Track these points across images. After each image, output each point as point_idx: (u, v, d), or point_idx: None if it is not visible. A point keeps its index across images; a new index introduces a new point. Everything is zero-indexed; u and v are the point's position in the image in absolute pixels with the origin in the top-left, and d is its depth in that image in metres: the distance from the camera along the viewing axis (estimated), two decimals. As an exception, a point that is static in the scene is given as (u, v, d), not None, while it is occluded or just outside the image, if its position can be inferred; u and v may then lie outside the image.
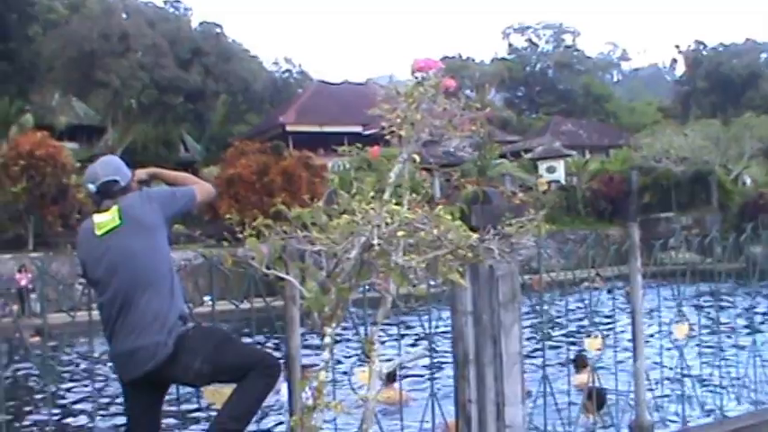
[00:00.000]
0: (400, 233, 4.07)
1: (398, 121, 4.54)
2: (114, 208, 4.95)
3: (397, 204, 4.31)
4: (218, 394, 5.24)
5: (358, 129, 60.45)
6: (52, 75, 63.55)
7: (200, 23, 69.33)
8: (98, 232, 4.95)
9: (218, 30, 67.73)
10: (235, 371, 4.80)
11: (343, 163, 51.13)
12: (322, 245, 4.16)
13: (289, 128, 61.73)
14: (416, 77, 4.62)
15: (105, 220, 4.95)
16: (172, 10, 73.66)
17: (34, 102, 61.63)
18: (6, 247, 34.91)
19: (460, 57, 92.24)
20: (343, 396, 5.50)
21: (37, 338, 24.17)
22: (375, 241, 4.02)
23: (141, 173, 5.31)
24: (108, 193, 5.03)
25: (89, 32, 58.12)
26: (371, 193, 4.27)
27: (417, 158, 4.58)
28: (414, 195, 4.43)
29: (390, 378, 7.84)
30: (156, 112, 60.24)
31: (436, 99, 4.56)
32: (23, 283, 31.20)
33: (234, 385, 4.91)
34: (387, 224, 4.05)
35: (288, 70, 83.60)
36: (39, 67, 65.53)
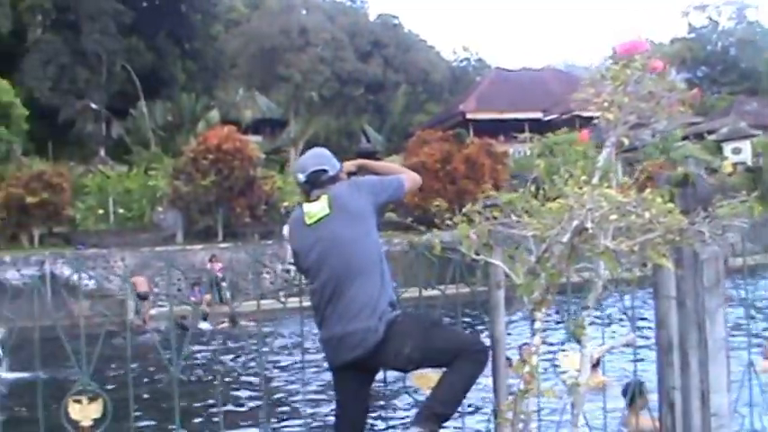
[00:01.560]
0: (612, 217, 4.04)
1: (605, 104, 4.49)
2: (324, 197, 5.03)
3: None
4: (424, 379, 5.30)
5: (538, 115, 60.01)
6: (235, 71, 65.66)
7: (378, 16, 70.11)
8: (308, 221, 5.05)
9: (395, 21, 68.33)
10: (443, 356, 4.81)
11: (524, 150, 50.91)
12: (534, 229, 4.17)
13: (469, 116, 61.64)
14: (611, 60, 4.57)
15: (316, 209, 5.04)
16: (349, 3, 74.86)
17: (219, 98, 63.76)
18: (197, 238, 36.17)
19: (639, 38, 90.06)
20: (545, 381, 5.47)
21: (226, 325, 25.09)
22: (589, 225, 4.01)
23: (350, 164, 5.39)
24: (317, 182, 5.11)
25: (270, 29, 59.66)
26: (584, 177, 4.24)
27: (627, 141, 4.53)
28: (625, 179, 4.38)
29: (594, 363, 7.77)
30: (338, 104, 61.26)
31: (642, 81, 4.50)
32: (215, 272, 32.25)
33: (439, 369, 4.97)
34: (600, 208, 4.03)
35: (466, 59, 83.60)
36: (222, 64, 67.71)
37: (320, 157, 5.27)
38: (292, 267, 30.71)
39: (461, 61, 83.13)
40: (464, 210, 4.41)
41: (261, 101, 66.60)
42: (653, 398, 5.76)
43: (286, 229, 35.18)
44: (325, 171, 5.15)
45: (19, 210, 34.53)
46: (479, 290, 5.48)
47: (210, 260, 32.57)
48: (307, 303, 5.27)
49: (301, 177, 5.20)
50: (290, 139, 61.57)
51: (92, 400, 4.91)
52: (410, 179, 5.31)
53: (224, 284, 31.90)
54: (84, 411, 4.91)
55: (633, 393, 7.69)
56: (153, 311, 27.85)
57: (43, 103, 51.82)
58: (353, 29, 62.97)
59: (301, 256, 5.13)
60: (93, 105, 55.88)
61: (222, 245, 35.17)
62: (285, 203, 39.53)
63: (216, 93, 65.57)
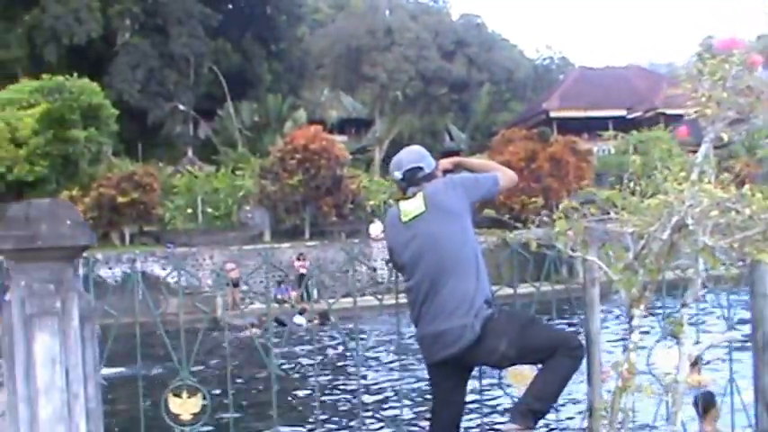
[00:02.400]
0: (713, 213, 4.02)
1: (703, 100, 4.47)
2: (420, 195, 5.06)
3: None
4: (519, 375, 5.30)
5: (622, 112, 59.35)
6: (321, 72, 66.17)
7: (461, 15, 70.04)
8: (404, 219, 5.09)
9: (478, 21, 68.19)
10: (539, 353, 4.82)
11: (608, 148, 50.41)
12: (634, 226, 4.18)
13: (552, 114, 61.28)
14: (707, 56, 4.55)
15: (411, 207, 5.08)
16: (432, 3, 74.91)
17: (305, 98, 64.31)
18: (285, 237, 36.60)
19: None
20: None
21: (317, 322, 25.32)
22: (689, 221, 4.00)
23: (445, 162, 5.41)
24: (413, 179, 5.16)
25: (355, 29, 59.98)
26: (682, 173, 4.23)
27: (726, 137, 4.51)
28: (726, 175, 4.36)
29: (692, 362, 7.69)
30: (422, 103, 61.34)
31: (741, 76, 4.48)
32: (302, 270, 32.59)
33: (533, 366, 4.99)
34: (699, 204, 4.02)
35: (549, 57, 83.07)
36: (308, 65, 68.29)
37: (416, 155, 5.31)
38: (378, 265, 30.93)
39: (544, 60, 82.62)
40: (561, 206, 4.43)
41: (346, 101, 67.03)
42: (747, 398, 5.68)
43: (372, 228, 35.54)
44: (420, 168, 5.20)
45: (110, 209, 35.26)
46: (573, 287, 5.48)
47: (298, 258, 32.90)
48: (403, 301, 5.31)
49: (398, 175, 5.26)
50: (375, 138, 61.88)
51: (191, 394, 5.03)
52: (505, 176, 5.29)
53: (310, 282, 32.20)
54: (183, 405, 5.02)
55: (706, 404, 7.60)
56: (243, 308, 28.21)
57: (132, 105, 52.76)
58: (437, 28, 63.00)
59: (397, 253, 5.19)
60: (182, 107, 56.76)
61: (309, 243, 35.52)
62: (371, 202, 39.80)
63: (302, 93, 66.13)
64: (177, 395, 5.00)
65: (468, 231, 5.04)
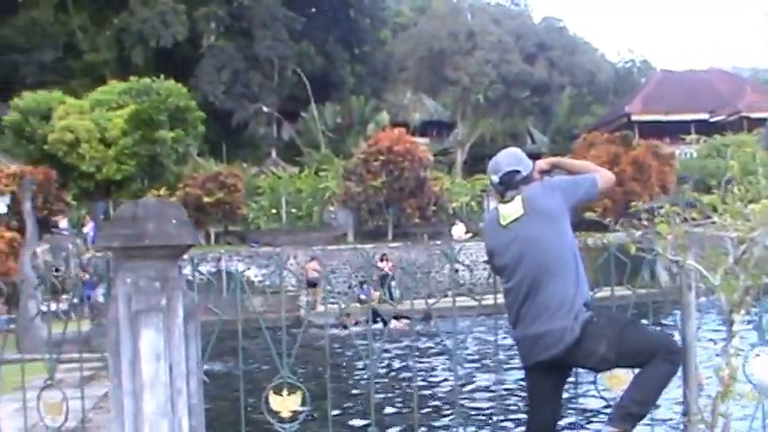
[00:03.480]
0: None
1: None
2: (518, 198, 5.10)
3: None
4: (615, 379, 5.28)
5: (704, 116, 58.50)
6: (403, 74, 66.34)
7: (543, 18, 69.59)
8: (503, 222, 5.13)
9: (560, 24, 67.72)
10: (638, 356, 4.80)
11: (690, 151, 49.70)
12: (737, 231, 4.15)
13: (634, 117, 60.58)
14: None
15: (510, 210, 5.11)
16: (514, 7, 74.57)
17: (387, 100, 64.52)
18: (368, 238, 36.79)
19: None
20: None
21: (401, 323, 25.34)
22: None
23: (542, 163, 5.42)
24: (510, 183, 5.19)
25: (437, 32, 59.97)
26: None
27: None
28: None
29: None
30: (503, 106, 61.11)
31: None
32: (385, 271, 32.68)
33: (630, 370, 4.97)
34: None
35: (630, 60, 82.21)
36: (391, 67, 68.52)
37: (514, 158, 5.32)
38: (461, 266, 30.97)
39: (626, 63, 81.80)
40: (663, 210, 4.41)
41: (428, 103, 67.10)
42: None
43: (454, 230, 35.50)
44: (518, 172, 5.21)
45: (196, 209, 35.74)
46: (669, 290, 5.43)
47: (381, 259, 33.03)
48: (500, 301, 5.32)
49: (495, 178, 5.28)
50: (457, 141, 61.84)
51: (291, 391, 5.11)
52: (603, 178, 5.27)
53: (393, 283, 32.33)
54: (284, 403, 5.11)
55: None
56: (321, 308, 28.38)
57: (217, 107, 53.45)
58: (519, 31, 62.65)
59: (497, 255, 5.22)
60: (266, 108, 57.34)
61: (392, 244, 35.63)
62: (453, 204, 39.79)
63: (384, 95, 66.35)
64: (278, 393, 5.09)
65: (566, 234, 5.05)
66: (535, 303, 4.96)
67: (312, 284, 31.37)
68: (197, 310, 4.71)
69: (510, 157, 5.33)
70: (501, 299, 5.26)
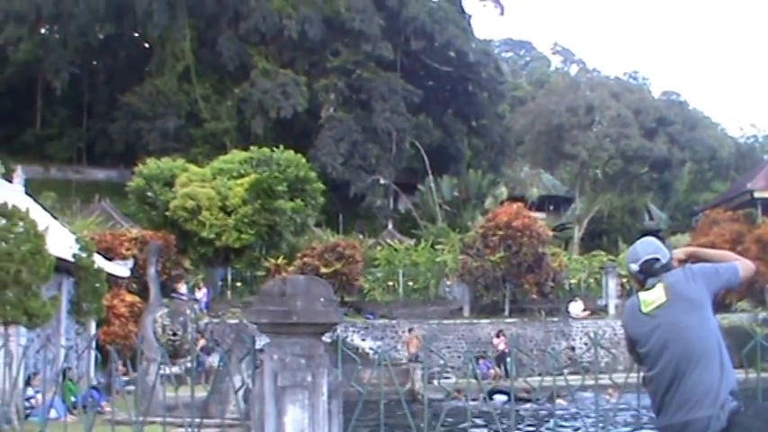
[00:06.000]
0: None
1: None
2: (660, 285, 5.06)
3: None
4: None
5: None
6: (521, 148, 66.31)
7: (663, 93, 69.16)
8: (645, 309, 5.08)
9: (680, 98, 67.12)
10: None
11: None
12: None
13: (757, 194, 59.15)
14: None
15: (652, 297, 5.07)
16: (633, 81, 74.23)
17: (505, 174, 64.59)
18: (484, 312, 36.61)
19: None
20: None
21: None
22: None
23: (679, 253, 5.39)
24: (650, 270, 5.17)
25: (556, 107, 59.88)
26: None
27: None
28: None
29: None
30: (622, 181, 60.51)
31: None
32: (501, 347, 32.45)
33: None
34: None
35: (753, 136, 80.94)
36: (508, 141, 68.77)
37: (653, 247, 5.31)
38: (576, 344, 30.47)
39: (749, 138, 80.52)
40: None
41: (545, 178, 66.98)
42: None
43: (572, 307, 35.11)
44: (657, 260, 5.20)
45: (313, 279, 36.06)
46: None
47: (497, 335, 32.81)
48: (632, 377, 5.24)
49: (635, 267, 5.27)
50: (575, 216, 61.39)
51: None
52: (744, 266, 5.22)
53: (508, 360, 32.03)
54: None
55: None
56: (436, 382, 28.20)
57: (335, 178, 54.24)
58: (638, 106, 62.12)
59: (639, 343, 5.15)
60: (383, 180, 57.98)
61: (508, 320, 35.44)
62: (571, 281, 39.38)
63: (502, 169, 66.55)
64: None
65: (710, 321, 4.98)
66: (679, 392, 4.87)
67: (413, 359, 31.35)
68: (341, 388, 4.75)
69: (650, 247, 5.32)
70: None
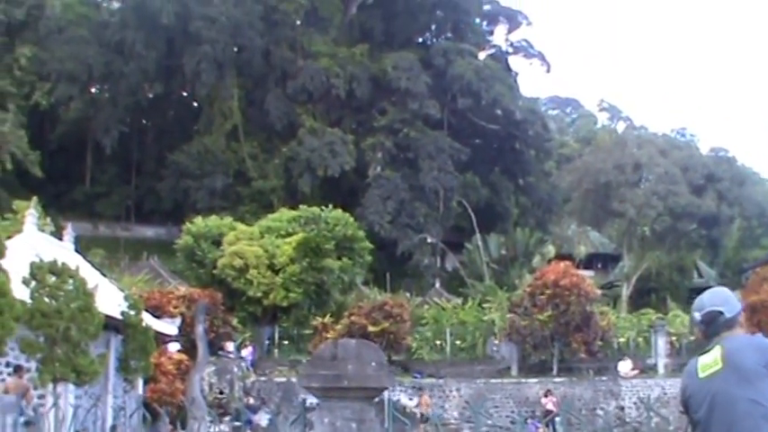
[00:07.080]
0: None
1: None
2: (717, 348, 4.89)
3: None
4: None
5: None
6: (568, 206, 66.11)
7: (711, 149, 68.83)
8: (701, 374, 4.93)
9: (728, 154, 66.74)
10: None
11: None
12: None
13: (807, 251, 58.65)
14: None
15: (708, 362, 4.91)
16: (681, 137, 73.95)
17: (552, 232, 64.32)
18: (532, 371, 36.30)
19: None
20: None
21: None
22: None
23: None
24: (711, 323, 4.99)
25: (602, 164, 59.81)
26: None
27: None
28: None
29: None
30: (670, 238, 60.09)
31: None
32: (549, 407, 32.11)
33: None
34: None
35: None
36: (555, 199, 68.62)
37: (719, 298, 5.10)
38: (626, 404, 30.14)
39: (798, 195, 79.80)
40: None
41: (593, 235, 66.57)
42: None
43: (621, 366, 34.71)
44: (721, 313, 4.99)
45: (361, 338, 35.92)
46: None
47: (546, 394, 32.49)
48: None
49: (697, 316, 5.08)
50: (623, 273, 60.91)
51: None
52: None
53: (557, 419, 31.65)
54: None
55: None
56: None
57: (382, 236, 54.32)
58: (687, 163, 61.87)
59: (692, 408, 5.04)
60: (430, 239, 57.98)
61: (557, 379, 35.10)
62: (619, 339, 38.99)
63: (549, 227, 66.30)
64: None
65: (763, 397, 4.85)
66: None
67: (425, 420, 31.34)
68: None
69: (716, 297, 5.11)
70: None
